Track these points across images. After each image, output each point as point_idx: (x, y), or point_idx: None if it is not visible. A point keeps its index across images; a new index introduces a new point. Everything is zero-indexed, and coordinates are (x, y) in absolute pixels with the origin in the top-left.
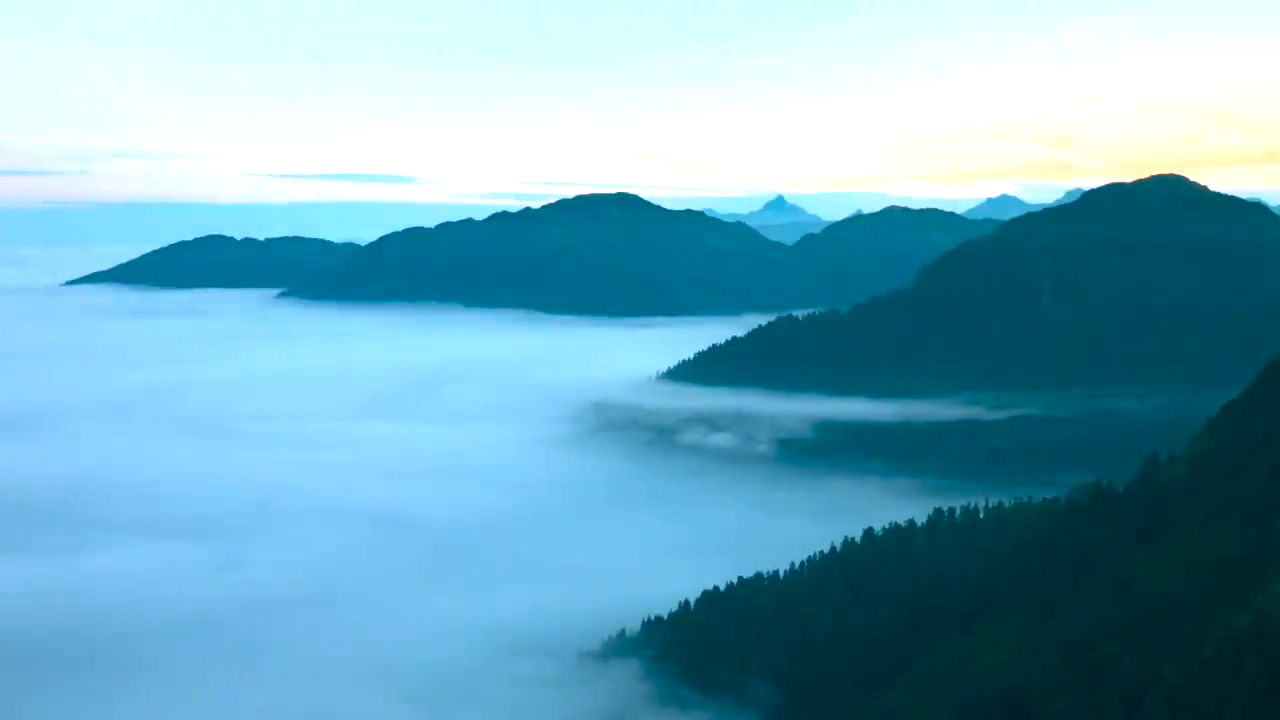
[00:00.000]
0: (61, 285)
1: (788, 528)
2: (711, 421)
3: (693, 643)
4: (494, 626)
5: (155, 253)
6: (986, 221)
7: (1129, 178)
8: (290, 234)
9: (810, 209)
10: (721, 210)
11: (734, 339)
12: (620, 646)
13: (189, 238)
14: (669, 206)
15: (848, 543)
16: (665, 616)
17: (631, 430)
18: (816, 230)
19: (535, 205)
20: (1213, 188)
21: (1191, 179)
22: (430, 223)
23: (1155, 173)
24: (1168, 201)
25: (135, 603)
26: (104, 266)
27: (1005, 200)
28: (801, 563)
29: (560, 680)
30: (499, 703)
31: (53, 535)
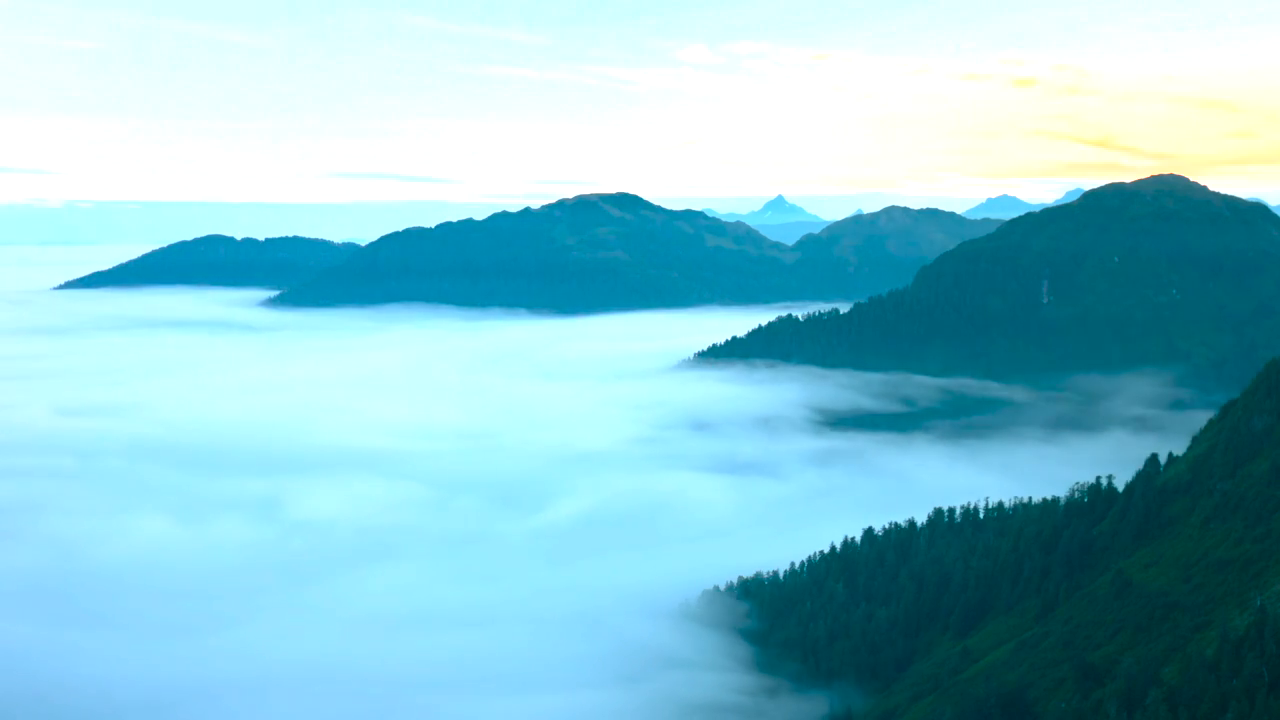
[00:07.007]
0: (57, 287)
1: (788, 528)
2: (709, 420)
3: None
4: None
5: (160, 251)
6: (986, 221)
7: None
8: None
9: (810, 209)
10: (721, 210)
11: (734, 338)
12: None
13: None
14: (669, 206)
15: (848, 543)
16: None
17: (629, 429)
18: (816, 230)
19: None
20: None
21: (1195, 179)
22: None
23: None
24: (1167, 201)
25: None
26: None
27: (1005, 200)
28: (801, 563)
29: None
30: None
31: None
